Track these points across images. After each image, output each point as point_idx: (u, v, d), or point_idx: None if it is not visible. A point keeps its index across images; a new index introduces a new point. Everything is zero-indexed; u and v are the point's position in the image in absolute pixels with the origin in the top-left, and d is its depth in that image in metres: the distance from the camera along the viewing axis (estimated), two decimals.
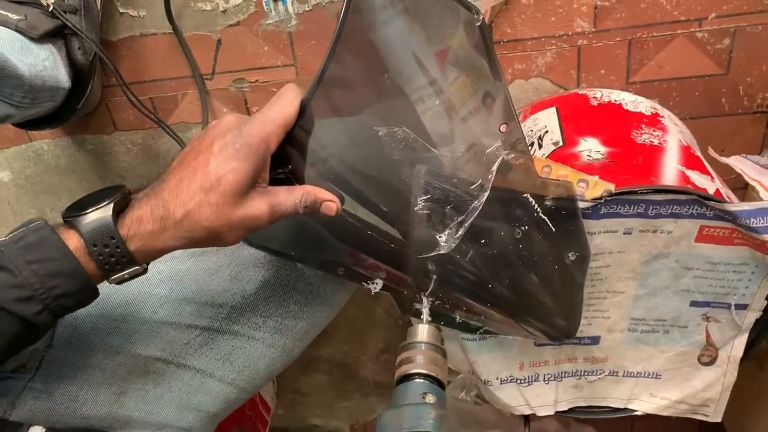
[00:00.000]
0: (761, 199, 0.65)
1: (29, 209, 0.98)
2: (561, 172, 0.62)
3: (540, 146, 0.72)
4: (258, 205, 0.49)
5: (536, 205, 0.58)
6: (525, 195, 0.57)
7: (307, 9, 0.81)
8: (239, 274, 0.64)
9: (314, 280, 0.66)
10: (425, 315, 0.60)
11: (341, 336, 1.11)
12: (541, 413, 0.78)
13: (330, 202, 0.52)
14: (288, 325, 0.67)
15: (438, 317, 0.63)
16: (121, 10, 0.82)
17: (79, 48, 0.73)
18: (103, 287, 0.60)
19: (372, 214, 0.57)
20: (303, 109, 0.51)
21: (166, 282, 0.62)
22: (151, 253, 0.49)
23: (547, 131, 0.73)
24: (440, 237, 0.56)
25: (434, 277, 0.59)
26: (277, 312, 0.66)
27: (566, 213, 0.59)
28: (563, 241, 0.60)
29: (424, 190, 0.55)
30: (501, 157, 0.55)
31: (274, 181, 0.52)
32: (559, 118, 0.74)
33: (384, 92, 0.53)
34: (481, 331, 0.68)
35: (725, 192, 0.65)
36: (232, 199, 0.48)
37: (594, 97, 0.77)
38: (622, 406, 0.77)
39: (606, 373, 0.75)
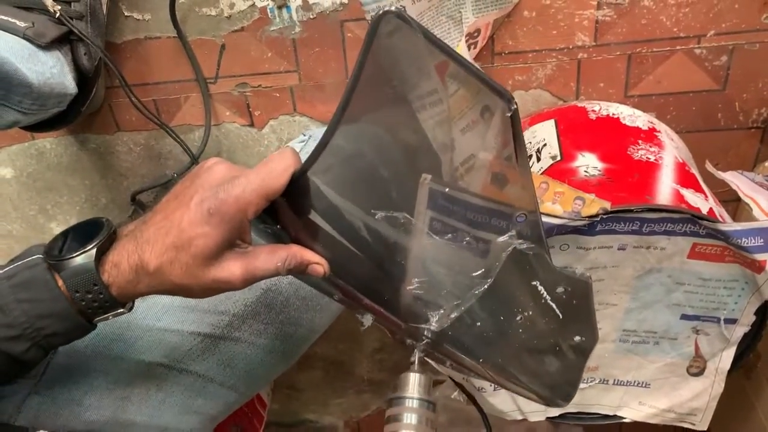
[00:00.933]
0: (754, 217, 0.67)
1: (31, 206, 0.99)
2: (558, 189, 0.64)
3: (538, 159, 0.73)
4: (231, 269, 0.47)
5: (545, 293, 0.54)
6: (534, 283, 0.53)
7: (311, 17, 0.81)
8: None
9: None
10: (415, 364, 0.59)
11: (336, 334, 1.12)
12: (532, 419, 0.80)
13: (317, 265, 0.50)
14: (288, 332, 0.68)
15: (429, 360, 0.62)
16: (126, 13, 0.82)
17: (85, 54, 0.73)
18: None
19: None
20: (296, 179, 0.47)
21: None
22: (132, 297, 0.49)
23: (545, 144, 0.74)
24: (432, 316, 0.54)
25: (425, 334, 0.56)
26: (277, 319, 0.67)
27: (577, 300, 0.55)
28: (570, 326, 0.57)
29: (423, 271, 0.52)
30: (513, 246, 0.51)
31: (267, 236, 0.51)
32: (557, 132, 0.75)
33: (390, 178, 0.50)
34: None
35: (718, 211, 0.66)
36: (202, 262, 0.46)
37: (592, 110, 0.78)
38: (611, 413, 0.79)
39: (596, 381, 0.77)
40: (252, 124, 0.90)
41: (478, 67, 0.44)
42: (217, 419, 0.70)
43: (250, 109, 0.88)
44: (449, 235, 0.53)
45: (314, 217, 0.50)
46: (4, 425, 0.56)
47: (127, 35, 0.84)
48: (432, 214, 0.66)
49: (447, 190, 0.63)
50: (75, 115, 0.79)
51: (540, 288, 0.54)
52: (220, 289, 0.48)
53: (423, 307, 0.54)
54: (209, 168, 0.47)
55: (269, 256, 0.48)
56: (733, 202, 0.86)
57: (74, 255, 0.46)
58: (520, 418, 0.80)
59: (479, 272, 0.52)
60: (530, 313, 0.55)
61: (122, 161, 0.94)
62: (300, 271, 0.50)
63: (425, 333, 0.55)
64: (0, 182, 0.97)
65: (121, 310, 0.49)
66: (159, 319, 0.63)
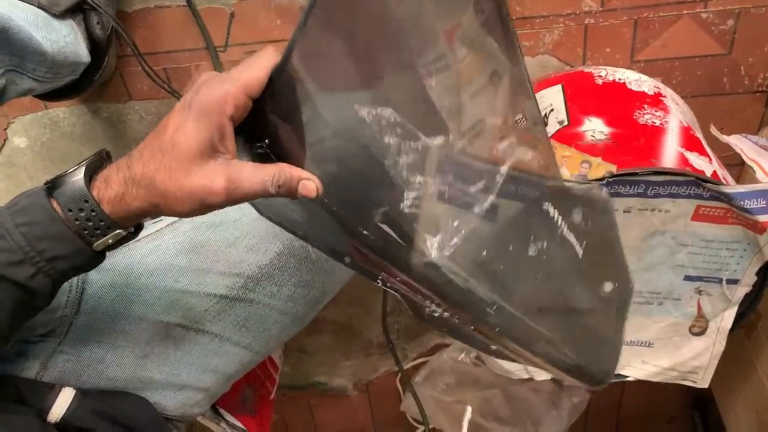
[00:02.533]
0: (757, 179, 0.68)
1: (45, 175, 1.00)
2: (565, 153, 0.65)
3: (546, 124, 0.74)
4: (214, 177, 0.45)
5: (559, 219, 0.47)
6: (545, 205, 0.47)
7: None
8: (256, 245, 0.65)
9: None
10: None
11: (346, 299, 1.14)
12: (538, 378, 0.82)
13: (308, 181, 0.46)
14: (301, 294, 0.69)
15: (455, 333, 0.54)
16: None
17: (97, 23, 0.74)
18: (127, 258, 0.63)
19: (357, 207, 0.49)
20: (278, 75, 0.43)
21: (185, 253, 0.64)
22: (125, 215, 0.47)
23: (552, 109, 0.75)
24: (431, 244, 0.47)
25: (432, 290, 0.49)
26: (290, 281, 0.68)
27: (600, 230, 0.49)
28: (596, 268, 0.50)
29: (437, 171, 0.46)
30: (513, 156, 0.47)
31: (256, 157, 0.48)
32: (564, 97, 0.76)
33: (383, 65, 0.46)
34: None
35: (722, 173, 0.67)
36: (185, 164, 0.44)
37: (599, 76, 0.79)
38: (615, 372, 0.81)
39: None
40: None
41: None
42: (233, 378, 0.72)
43: None
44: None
45: (303, 122, 0.46)
46: (32, 381, 0.58)
47: (138, 4, 0.84)
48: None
49: (456, 155, 0.61)
50: (88, 84, 0.80)
51: (553, 212, 0.47)
52: (203, 201, 0.45)
53: (423, 233, 0.48)
54: (199, 77, 0.46)
55: (256, 170, 0.46)
56: (738, 166, 0.86)
57: (66, 173, 0.46)
58: (526, 377, 0.82)
59: (480, 185, 0.46)
60: (545, 244, 0.47)
61: (134, 130, 0.95)
62: (290, 189, 0.46)
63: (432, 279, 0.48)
64: (15, 152, 0.98)
65: (120, 231, 0.48)
66: (176, 281, 0.64)
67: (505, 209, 0.48)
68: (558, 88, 0.78)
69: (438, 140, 0.47)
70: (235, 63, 0.88)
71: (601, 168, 0.63)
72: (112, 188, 0.46)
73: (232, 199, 0.46)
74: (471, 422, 1.08)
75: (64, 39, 0.68)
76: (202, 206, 0.46)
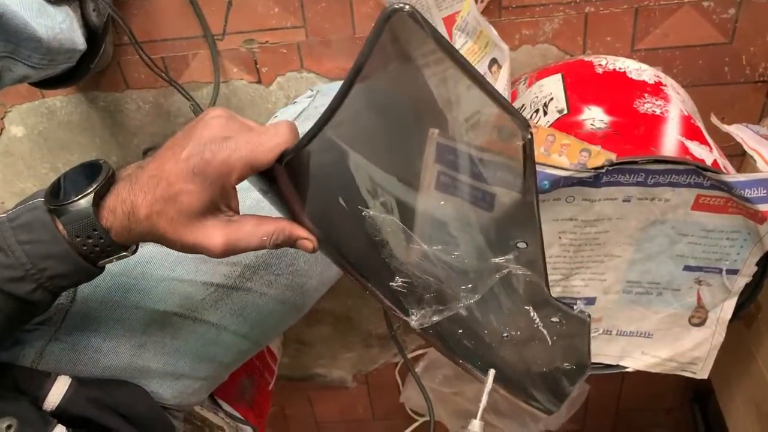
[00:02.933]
0: (758, 169, 0.68)
1: (43, 164, 1.00)
2: (564, 141, 0.64)
3: (545, 113, 0.74)
4: (213, 237, 0.46)
5: (537, 319, 0.53)
6: (527, 307, 0.52)
7: None
8: None
9: None
10: (479, 416, 0.56)
11: (345, 290, 1.14)
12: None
13: (306, 241, 0.50)
14: (298, 283, 0.69)
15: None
16: None
17: (93, 10, 0.73)
18: None
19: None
20: (288, 157, 0.45)
21: None
22: (131, 241, 0.48)
23: (552, 98, 0.75)
24: (413, 313, 0.53)
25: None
26: (288, 270, 0.68)
27: (572, 332, 0.53)
28: (561, 353, 0.55)
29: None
30: (508, 270, 0.50)
31: (261, 192, 0.50)
32: (564, 86, 0.75)
33: (389, 172, 0.48)
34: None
35: (722, 162, 0.67)
36: (187, 220, 0.46)
37: (599, 65, 0.78)
38: (614, 363, 0.80)
39: (600, 332, 0.79)
40: (260, 81, 0.90)
41: (494, 87, 0.42)
42: (231, 367, 0.72)
43: (258, 66, 0.89)
44: (455, 190, 0.49)
45: (308, 190, 0.48)
46: (28, 369, 0.58)
47: None
48: (440, 168, 0.67)
49: (454, 143, 0.63)
50: (84, 72, 0.79)
51: (532, 314, 0.52)
52: (200, 253, 0.48)
53: (409, 299, 0.53)
54: (207, 122, 0.46)
55: (255, 229, 0.48)
56: (739, 156, 0.86)
57: (73, 200, 0.46)
58: None
59: (467, 287, 0.50)
60: (518, 333, 0.53)
61: (132, 119, 0.95)
62: (288, 245, 0.49)
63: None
64: (12, 141, 0.98)
65: (125, 253, 0.49)
66: (173, 269, 0.64)
67: (487, 303, 0.51)
68: (558, 77, 0.77)
69: (435, 247, 0.50)
70: (233, 51, 0.88)
71: (601, 156, 0.62)
72: (119, 220, 0.47)
73: (228, 254, 0.47)
74: (469, 414, 1.07)
75: (59, 25, 0.68)
76: (198, 253, 0.48)
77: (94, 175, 0.47)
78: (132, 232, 0.47)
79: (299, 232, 0.49)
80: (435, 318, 0.52)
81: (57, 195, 0.47)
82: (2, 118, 0.96)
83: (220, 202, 0.46)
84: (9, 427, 0.49)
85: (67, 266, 0.47)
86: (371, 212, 0.48)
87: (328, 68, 0.88)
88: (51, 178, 1.00)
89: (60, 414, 0.56)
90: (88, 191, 0.46)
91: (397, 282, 0.52)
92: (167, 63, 0.89)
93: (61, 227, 0.46)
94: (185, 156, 0.44)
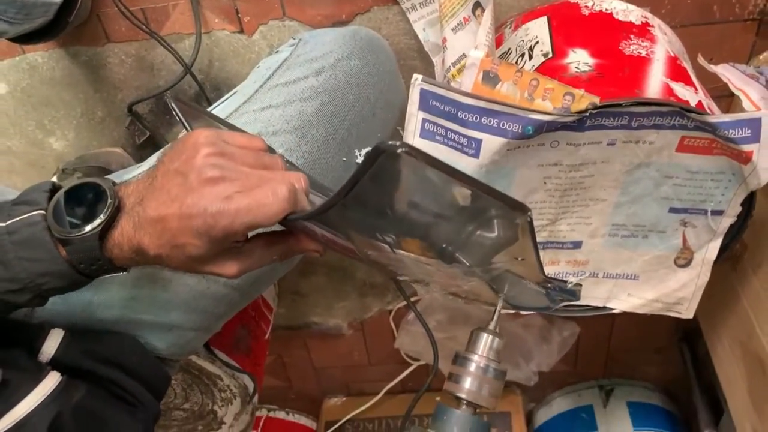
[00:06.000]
0: (745, 109, 0.67)
1: (28, 121, 0.99)
2: (548, 85, 0.64)
3: (530, 57, 0.73)
4: (225, 268, 0.50)
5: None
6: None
7: None
8: None
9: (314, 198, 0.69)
10: (494, 319, 0.57)
11: None
12: (524, 311, 0.84)
13: (313, 252, 0.53)
14: None
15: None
16: None
17: None
18: None
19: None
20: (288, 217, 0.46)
21: None
22: (135, 266, 0.51)
23: (537, 42, 0.74)
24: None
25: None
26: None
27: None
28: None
29: None
30: (506, 269, 0.52)
31: None
32: (549, 29, 0.74)
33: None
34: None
35: (707, 103, 0.66)
36: (197, 262, 0.48)
37: (585, 6, 0.77)
38: (601, 305, 0.82)
39: (587, 275, 0.80)
40: (242, 31, 0.89)
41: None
42: (223, 318, 0.73)
43: (239, 15, 0.87)
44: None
45: (313, 228, 0.50)
46: (21, 323, 0.59)
47: None
48: (423, 116, 0.67)
49: (439, 89, 0.63)
50: (62, 26, 0.78)
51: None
52: (216, 276, 0.51)
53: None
54: (200, 165, 0.46)
55: (265, 251, 0.51)
56: (727, 97, 0.86)
57: (79, 234, 0.47)
58: (513, 311, 0.83)
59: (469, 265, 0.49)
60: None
61: (115, 73, 0.94)
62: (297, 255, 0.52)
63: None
64: None
65: (122, 273, 0.51)
66: None
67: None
68: (544, 19, 0.76)
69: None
70: (214, 1, 0.86)
71: (585, 100, 0.62)
72: (125, 254, 0.48)
73: (242, 275, 0.51)
74: None
75: None
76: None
77: (97, 199, 0.48)
78: (139, 263, 0.50)
79: (305, 245, 0.52)
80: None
81: (58, 216, 0.48)
82: None
83: (227, 244, 0.48)
84: None
85: (65, 281, 0.49)
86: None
87: (310, 15, 0.86)
88: (38, 135, 1.00)
89: (55, 365, 0.57)
90: (95, 225, 0.47)
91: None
92: (147, 15, 0.87)
93: (62, 250, 0.48)
94: (186, 212, 0.45)
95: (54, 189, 0.50)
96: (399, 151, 0.36)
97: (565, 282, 0.57)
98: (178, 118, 0.51)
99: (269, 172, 0.49)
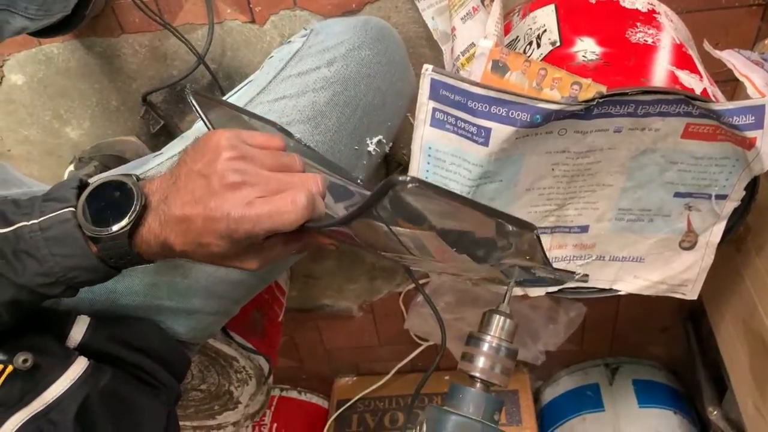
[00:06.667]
0: (749, 95, 0.69)
1: (44, 111, 1.01)
2: (556, 75, 0.65)
3: (538, 45, 0.74)
4: (248, 263, 0.53)
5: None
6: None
7: None
8: None
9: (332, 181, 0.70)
10: (506, 301, 0.58)
11: None
12: (533, 294, 0.85)
13: (329, 245, 0.56)
14: None
15: None
16: None
17: None
18: None
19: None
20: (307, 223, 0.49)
21: None
22: (163, 259, 0.54)
23: (545, 30, 0.75)
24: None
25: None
26: None
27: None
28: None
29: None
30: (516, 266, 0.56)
31: None
32: (557, 17, 0.75)
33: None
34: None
35: (712, 91, 0.68)
36: (221, 258, 0.51)
37: None
38: (607, 287, 0.83)
39: (593, 258, 0.81)
40: (253, 21, 0.90)
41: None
42: (241, 302, 0.75)
43: (251, 5, 0.88)
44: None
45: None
46: (48, 310, 0.61)
47: None
48: (434, 105, 0.68)
49: (449, 79, 0.64)
50: (79, 19, 0.80)
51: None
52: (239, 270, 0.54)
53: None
54: (222, 169, 0.48)
55: (285, 247, 0.54)
56: (733, 81, 0.86)
57: (109, 233, 0.49)
58: (521, 293, 0.85)
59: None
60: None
61: (129, 63, 0.95)
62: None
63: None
64: (12, 89, 0.99)
65: (149, 264, 0.55)
66: None
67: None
68: (551, 7, 0.77)
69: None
70: None
71: (592, 89, 0.63)
72: (153, 249, 0.51)
73: (263, 269, 0.54)
74: None
75: None
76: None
77: (124, 197, 0.50)
78: (167, 257, 0.53)
79: (321, 240, 0.55)
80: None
81: (88, 213, 0.50)
82: (1, 67, 0.97)
83: (250, 244, 0.51)
84: (25, 361, 0.52)
85: (96, 275, 0.52)
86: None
87: (321, 5, 0.87)
88: (54, 125, 1.02)
89: (82, 351, 0.59)
90: (123, 224, 0.49)
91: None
92: (161, 5, 0.89)
93: (93, 246, 0.50)
94: (210, 215, 0.48)
95: (82, 185, 0.52)
96: (410, 186, 0.39)
97: (573, 273, 0.61)
98: (198, 115, 0.53)
99: (289, 176, 0.51)
